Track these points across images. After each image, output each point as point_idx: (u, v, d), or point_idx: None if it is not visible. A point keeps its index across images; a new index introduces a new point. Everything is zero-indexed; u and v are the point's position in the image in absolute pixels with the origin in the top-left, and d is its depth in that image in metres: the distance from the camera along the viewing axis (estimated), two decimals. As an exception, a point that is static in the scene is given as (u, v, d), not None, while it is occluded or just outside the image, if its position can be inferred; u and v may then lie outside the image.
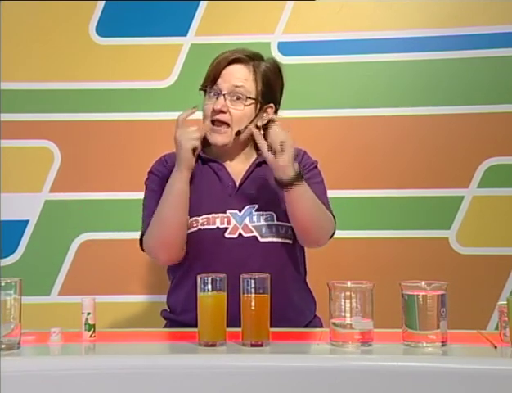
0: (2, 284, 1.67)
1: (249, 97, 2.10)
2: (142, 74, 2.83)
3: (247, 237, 2.08)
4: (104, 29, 2.83)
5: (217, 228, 2.09)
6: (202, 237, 2.09)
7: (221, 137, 2.11)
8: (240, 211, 2.10)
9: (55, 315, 2.73)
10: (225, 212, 2.10)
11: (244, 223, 2.09)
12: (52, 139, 2.82)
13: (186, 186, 2.05)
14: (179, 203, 2.06)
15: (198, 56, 2.78)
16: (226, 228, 2.09)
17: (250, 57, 2.13)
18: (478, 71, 2.77)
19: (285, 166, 2.00)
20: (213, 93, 2.11)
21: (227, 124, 2.10)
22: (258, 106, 2.12)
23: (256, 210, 2.10)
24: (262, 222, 2.09)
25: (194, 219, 2.10)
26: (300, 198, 2.03)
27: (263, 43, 2.76)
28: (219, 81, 2.09)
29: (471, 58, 2.76)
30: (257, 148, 2.18)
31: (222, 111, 2.08)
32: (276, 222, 2.09)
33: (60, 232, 2.81)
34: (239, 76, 2.10)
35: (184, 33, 2.83)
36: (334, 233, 2.16)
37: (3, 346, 1.65)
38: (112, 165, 2.82)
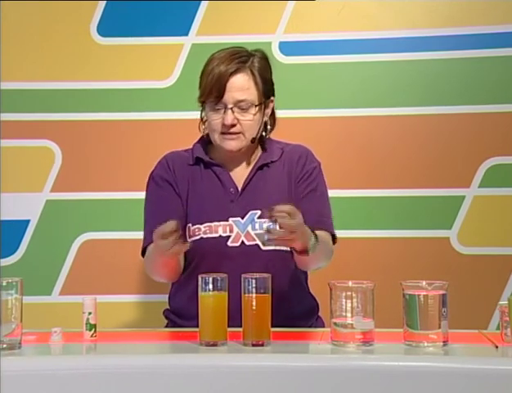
0: (4, 284, 1.67)
1: (256, 105, 2.10)
2: (143, 73, 2.83)
3: (249, 246, 2.08)
4: (105, 29, 2.83)
5: (220, 236, 2.08)
6: (204, 245, 2.08)
7: (235, 143, 2.10)
8: (242, 218, 2.09)
9: (56, 315, 2.73)
10: (227, 220, 2.09)
11: (247, 231, 2.08)
12: (53, 139, 2.82)
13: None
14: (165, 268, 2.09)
15: (199, 56, 2.74)
16: (229, 237, 2.08)
17: (244, 61, 2.11)
18: (479, 71, 2.77)
19: (303, 246, 1.95)
20: (218, 107, 2.09)
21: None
22: (262, 107, 2.13)
23: (258, 217, 2.09)
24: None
25: (196, 226, 2.09)
26: (313, 258, 2.01)
27: (264, 43, 2.75)
28: (224, 96, 2.07)
29: (471, 58, 2.76)
30: (263, 148, 2.19)
31: (232, 125, 2.08)
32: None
33: (61, 231, 2.81)
34: (241, 86, 2.08)
35: (185, 32, 2.82)
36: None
37: (4, 346, 1.65)
38: (113, 165, 2.82)
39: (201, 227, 2.09)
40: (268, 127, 2.18)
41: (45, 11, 2.85)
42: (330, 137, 2.78)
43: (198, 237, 2.09)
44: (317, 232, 2.02)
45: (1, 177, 2.77)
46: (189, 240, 2.09)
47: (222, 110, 2.08)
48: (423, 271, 2.62)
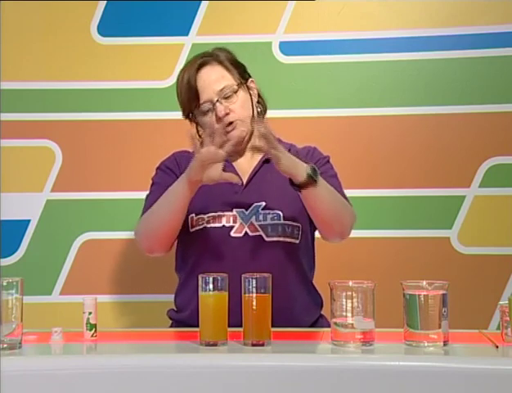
0: (4, 284, 1.67)
1: (236, 86, 2.11)
2: (143, 73, 2.83)
3: (252, 236, 2.08)
4: (105, 29, 2.83)
5: (223, 226, 2.08)
6: (208, 235, 2.08)
7: (238, 131, 2.10)
8: (246, 210, 2.09)
9: (56, 315, 2.73)
10: (231, 210, 2.09)
11: (251, 221, 2.08)
12: (54, 139, 2.82)
13: (190, 194, 2.03)
14: (179, 207, 2.04)
15: (199, 56, 2.78)
16: (232, 227, 2.08)
17: (208, 55, 2.14)
18: (479, 71, 2.77)
19: (292, 166, 1.96)
20: (205, 109, 2.10)
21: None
22: (245, 87, 2.14)
23: (263, 209, 2.09)
24: (269, 221, 2.08)
25: (200, 216, 2.10)
26: (318, 195, 1.99)
27: (265, 43, 2.76)
28: (203, 95, 2.09)
29: (471, 58, 2.76)
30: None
31: (226, 114, 2.09)
32: (282, 221, 2.08)
33: (61, 231, 2.81)
34: (215, 78, 2.11)
35: (185, 32, 2.83)
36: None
37: (5, 346, 1.65)
38: (113, 165, 2.82)
39: (205, 216, 2.09)
40: (259, 109, 2.18)
41: (45, 11, 2.85)
42: (329, 137, 2.78)
43: (201, 227, 2.09)
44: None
45: (1, 177, 2.77)
46: (191, 230, 2.10)
47: (211, 108, 2.09)
48: (423, 271, 2.62)
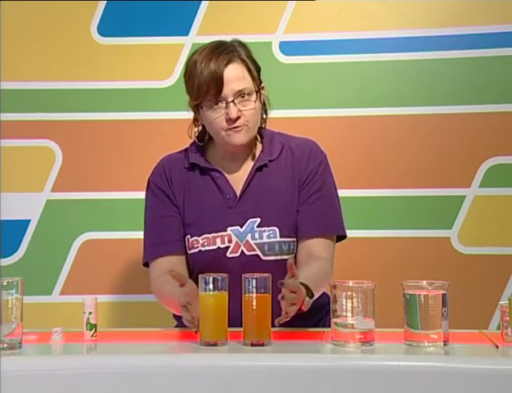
0: (4, 284, 1.67)
1: (255, 91, 2.05)
2: (144, 73, 2.83)
3: (249, 256, 2.04)
4: (105, 29, 2.83)
5: (218, 248, 2.05)
6: (203, 258, 2.06)
7: (242, 135, 2.04)
8: (241, 226, 2.05)
9: (56, 315, 2.73)
10: (225, 230, 2.05)
11: (246, 240, 2.05)
12: (54, 139, 2.82)
13: None
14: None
15: (199, 56, 2.77)
16: (228, 247, 2.05)
17: (231, 50, 2.06)
18: (479, 71, 2.77)
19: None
20: (217, 104, 2.03)
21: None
22: (259, 93, 2.08)
23: (258, 226, 2.05)
24: (265, 239, 2.04)
25: (194, 239, 2.07)
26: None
27: (265, 43, 2.76)
28: (222, 90, 2.01)
29: (471, 58, 2.76)
30: (262, 143, 2.15)
31: (238, 118, 2.02)
32: (278, 238, 2.05)
33: (61, 231, 2.81)
34: (237, 77, 2.03)
35: (185, 32, 2.83)
36: None
37: (5, 346, 1.65)
38: (113, 165, 2.82)
39: (199, 239, 2.06)
40: (264, 116, 2.14)
41: (45, 11, 2.85)
42: (329, 137, 2.77)
43: (196, 250, 2.07)
44: (311, 272, 1.91)
45: (1, 177, 2.77)
46: (188, 252, 2.08)
47: (223, 106, 2.03)
48: (423, 271, 2.62)
